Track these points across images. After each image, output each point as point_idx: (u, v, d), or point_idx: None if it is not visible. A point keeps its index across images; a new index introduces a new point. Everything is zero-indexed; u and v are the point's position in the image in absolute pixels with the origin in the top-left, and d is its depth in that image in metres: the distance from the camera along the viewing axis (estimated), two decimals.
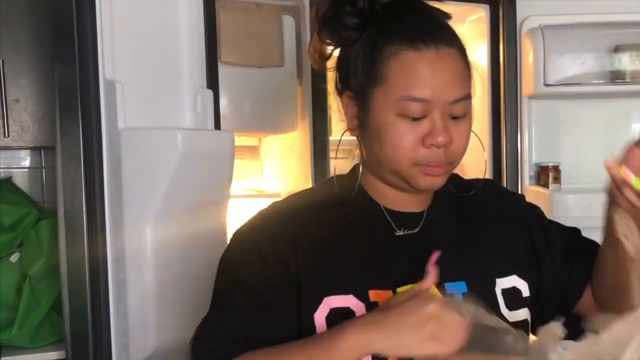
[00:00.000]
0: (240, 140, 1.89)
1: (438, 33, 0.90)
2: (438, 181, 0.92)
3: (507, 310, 0.95)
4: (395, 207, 0.98)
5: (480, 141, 0.99)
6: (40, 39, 1.99)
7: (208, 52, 1.55)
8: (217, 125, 1.57)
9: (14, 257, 1.93)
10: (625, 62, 2.13)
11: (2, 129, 1.99)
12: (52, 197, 2.20)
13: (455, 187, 1.01)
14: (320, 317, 0.89)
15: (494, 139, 2.12)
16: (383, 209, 0.98)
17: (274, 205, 1.00)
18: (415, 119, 0.88)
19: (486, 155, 2.13)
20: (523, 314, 0.96)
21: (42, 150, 2.28)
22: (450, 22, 0.94)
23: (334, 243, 0.94)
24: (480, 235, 1.00)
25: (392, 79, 0.89)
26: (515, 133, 2.14)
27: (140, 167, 1.35)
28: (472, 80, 0.93)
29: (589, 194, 2.08)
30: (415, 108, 0.88)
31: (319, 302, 0.89)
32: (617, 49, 2.16)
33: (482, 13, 2.07)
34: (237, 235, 0.97)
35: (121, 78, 1.37)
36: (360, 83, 0.93)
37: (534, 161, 2.31)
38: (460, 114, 0.90)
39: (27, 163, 2.30)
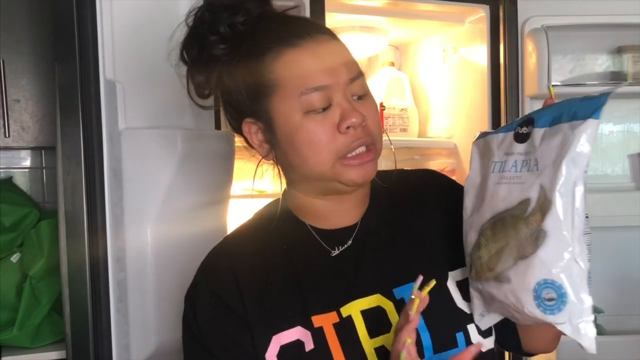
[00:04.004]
0: (241, 140, 1.89)
1: (306, 26, 0.91)
2: (369, 169, 0.89)
3: (465, 302, 0.92)
4: (327, 225, 0.95)
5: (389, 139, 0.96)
6: (40, 39, 1.99)
7: None
8: (217, 125, 1.57)
9: (15, 257, 1.93)
10: (628, 63, 2.13)
11: (2, 129, 2.00)
12: (52, 197, 2.20)
13: (391, 184, 0.99)
14: (271, 356, 0.88)
15: None
16: (311, 229, 0.95)
17: (215, 253, 0.99)
18: (323, 110, 0.86)
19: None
20: None
21: (43, 151, 2.28)
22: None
23: (273, 279, 0.93)
24: (423, 231, 0.97)
25: (284, 81, 0.87)
26: None
27: (141, 167, 1.34)
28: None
29: (591, 194, 2.07)
30: (318, 98, 0.86)
31: (269, 341, 0.89)
32: (619, 51, 2.16)
33: (481, 13, 2.07)
34: (190, 292, 0.97)
35: (121, 78, 1.36)
36: (253, 102, 0.90)
37: None
38: (362, 92, 0.90)
39: (27, 163, 2.30)
